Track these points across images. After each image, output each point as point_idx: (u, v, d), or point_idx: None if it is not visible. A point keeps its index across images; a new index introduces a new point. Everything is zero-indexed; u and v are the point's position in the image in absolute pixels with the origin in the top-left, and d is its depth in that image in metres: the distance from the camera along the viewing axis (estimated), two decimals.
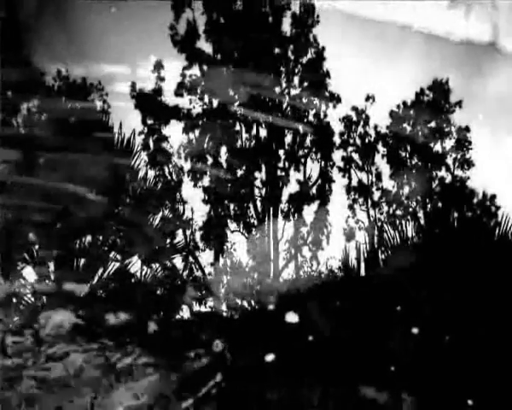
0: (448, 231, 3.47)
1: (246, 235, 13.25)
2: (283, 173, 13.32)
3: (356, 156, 14.58)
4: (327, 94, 13.51)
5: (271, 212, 13.16)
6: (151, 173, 12.52)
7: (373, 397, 1.92)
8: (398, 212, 14.41)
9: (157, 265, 4.73)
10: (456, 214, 3.54)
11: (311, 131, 13.19)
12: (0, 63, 4.81)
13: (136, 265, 4.60)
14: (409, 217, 14.03)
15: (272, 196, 13.19)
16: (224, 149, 13.25)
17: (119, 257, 4.48)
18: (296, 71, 13.47)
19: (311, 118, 13.56)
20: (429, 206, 14.16)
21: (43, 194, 3.99)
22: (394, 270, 3.11)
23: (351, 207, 14.52)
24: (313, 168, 13.59)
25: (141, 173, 4.92)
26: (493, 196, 12.98)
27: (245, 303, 11.22)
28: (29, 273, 4.14)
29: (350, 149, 14.54)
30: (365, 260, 3.32)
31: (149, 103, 13.22)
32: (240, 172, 13.18)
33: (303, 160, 13.52)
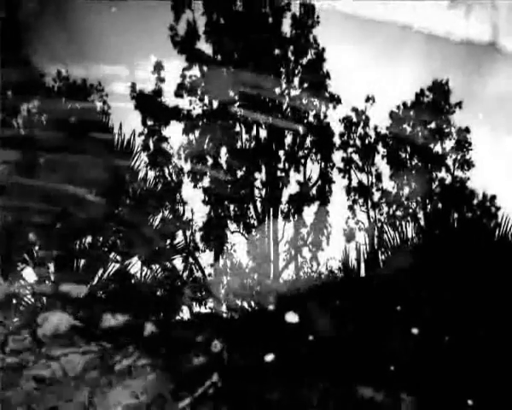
0: (448, 232, 3.47)
1: (246, 236, 13.26)
2: (283, 174, 13.32)
3: (356, 157, 14.60)
4: (327, 95, 13.52)
5: (271, 213, 13.16)
6: (151, 174, 12.53)
7: (372, 397, 1.92)
8: (398, 213, 14.42)
9: (157, 266, 4.73)
10: (456, 215, 3.54)
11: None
12: (0, 63, 4.81)
13: (136, 266, 4.61)
14: (409, 218, 14.03)
15: (272, 196, 13.20)
16: (224, 150, 13.27)
17: (118, 258, 4.48)
18: (296, 72, 13.48)
19: (311, 119, 13.57)
20: (429, 207, 14.16)
21: (43, 195, 3.99)
22: (394, 271, 3.11)
23: (351, 208, 14.53)
24: (313, 169, 13.62)
25: (141, 174, 4.92)
26: (493, 197, 12.99)
27: (245, 304, 11.22)
28: (29, 274, 4.14)
29: (350, 149, 14.56)
30: (365, 261, 3.32)
31: (149, 104, 13.23)
32: (240, 173, 13.19)
33: (303, 161, 13.52)
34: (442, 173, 14.45)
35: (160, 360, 1.93)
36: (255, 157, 13.12)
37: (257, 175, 13.23)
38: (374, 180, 14.65)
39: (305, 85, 13.44)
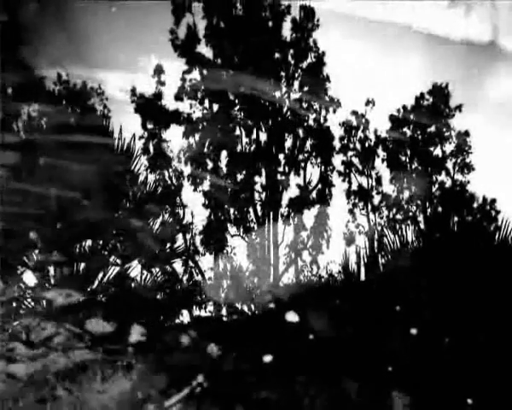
0: (448, 236, 3.47)
1: (246, 239, 13.25)
2: (283, 178, 13.32)
3: (356, 161, 14.60)
4: (327, 98, 13.53)
5: (271, 216, 13.16)
6: (151, 178, 12.54)
7: (370, 397, 1.91)
8: (398, 216, 14.41)
9: (157, 269, 4.73)
10: (456, 219, 3.54)
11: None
12: (0, 67, 4.82)
13: (136, 269, 4.60)
14: (409, 221, 14.02)
15: (272, 200, 13.19)
16: (224, 154, 13.27)
17: (119, 261, 4.47)
18: (296, 75, 13.49)
19: (310, 122, 13.58)
20: (429, 210, 14.16)
21: (42, 199, 3.99)
22: (394, 274, 3.10)
23: (351, 212, 14.53)
24: (313, 173, 13.62)
25: (141, 178, 4.92)
26: (493, 201, 12.99)
27: (245, 307, 11.20)
28: (28, 278, 4.14)
29: (350, 153, 14.56)
30: (365, 265, 3.31)
31: (149, 107, 13.24)
32: (240, 177, 13.19)
33: (303, 164, 13.52)
34: (442, 177, 14.46)
35: (149, 361, 1.93)
36: (255, 161, 13.13)
37: (257, 178, 13.24)
38: (374, 184, 14.66)
39: (305, 89, 13.45)
